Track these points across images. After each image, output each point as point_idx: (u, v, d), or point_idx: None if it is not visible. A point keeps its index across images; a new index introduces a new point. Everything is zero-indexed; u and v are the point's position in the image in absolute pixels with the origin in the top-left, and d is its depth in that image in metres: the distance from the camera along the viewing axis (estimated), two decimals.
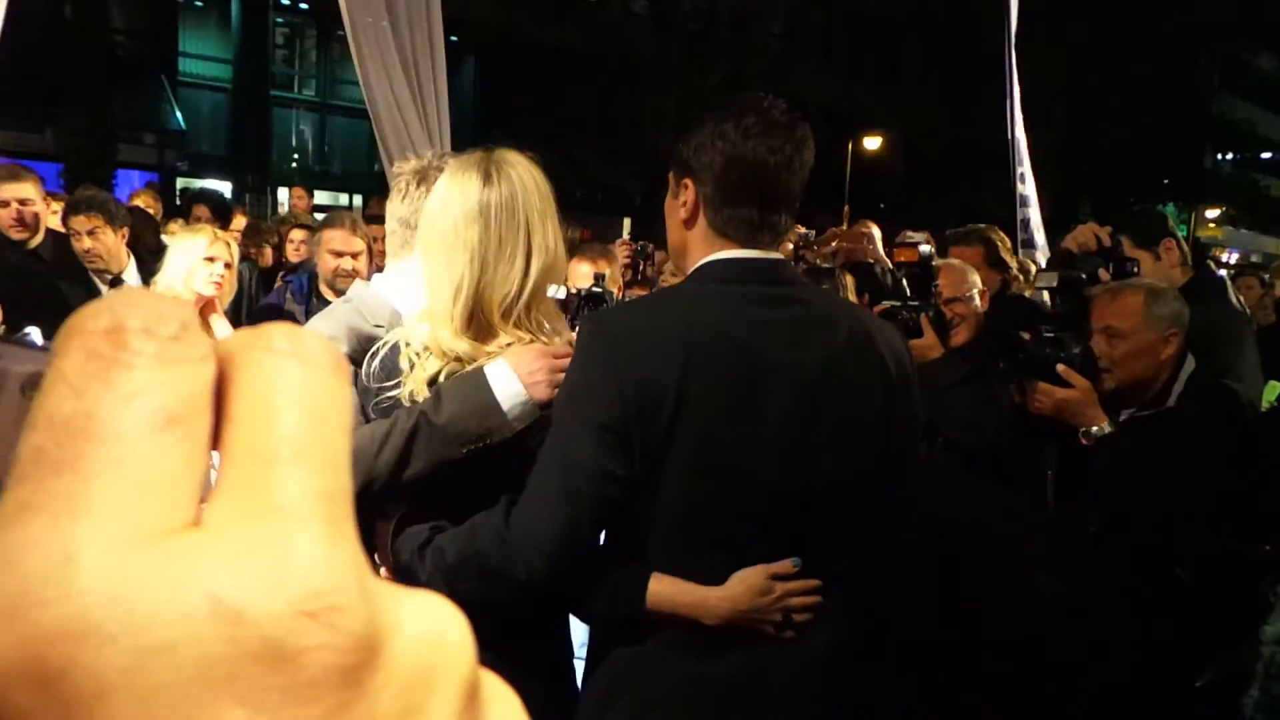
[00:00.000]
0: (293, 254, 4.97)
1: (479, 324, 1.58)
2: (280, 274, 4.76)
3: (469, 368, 1.57)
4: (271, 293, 4.04)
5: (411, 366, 1.59)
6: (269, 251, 5.38)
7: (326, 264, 3.57)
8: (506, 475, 1.47)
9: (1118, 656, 2.36)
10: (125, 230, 3.95)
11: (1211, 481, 2.28)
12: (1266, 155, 39.93)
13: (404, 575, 1.50)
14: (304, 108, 18.71)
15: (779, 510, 1.45)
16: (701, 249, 1.52)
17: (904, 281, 4.45)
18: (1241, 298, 3.14)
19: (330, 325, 1.80)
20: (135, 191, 6.99)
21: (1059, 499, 2.63)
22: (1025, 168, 5.83)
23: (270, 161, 17.60)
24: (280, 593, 0.18)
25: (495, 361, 1.55)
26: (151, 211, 5.64)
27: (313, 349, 0.21)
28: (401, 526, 1.55)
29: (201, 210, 4.42)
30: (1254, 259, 33.09)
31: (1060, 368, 2.35)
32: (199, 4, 17.21)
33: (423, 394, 1.57)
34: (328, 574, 0.19)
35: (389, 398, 1.58)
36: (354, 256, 3.51)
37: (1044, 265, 4.04)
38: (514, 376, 1.53)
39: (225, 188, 16.02)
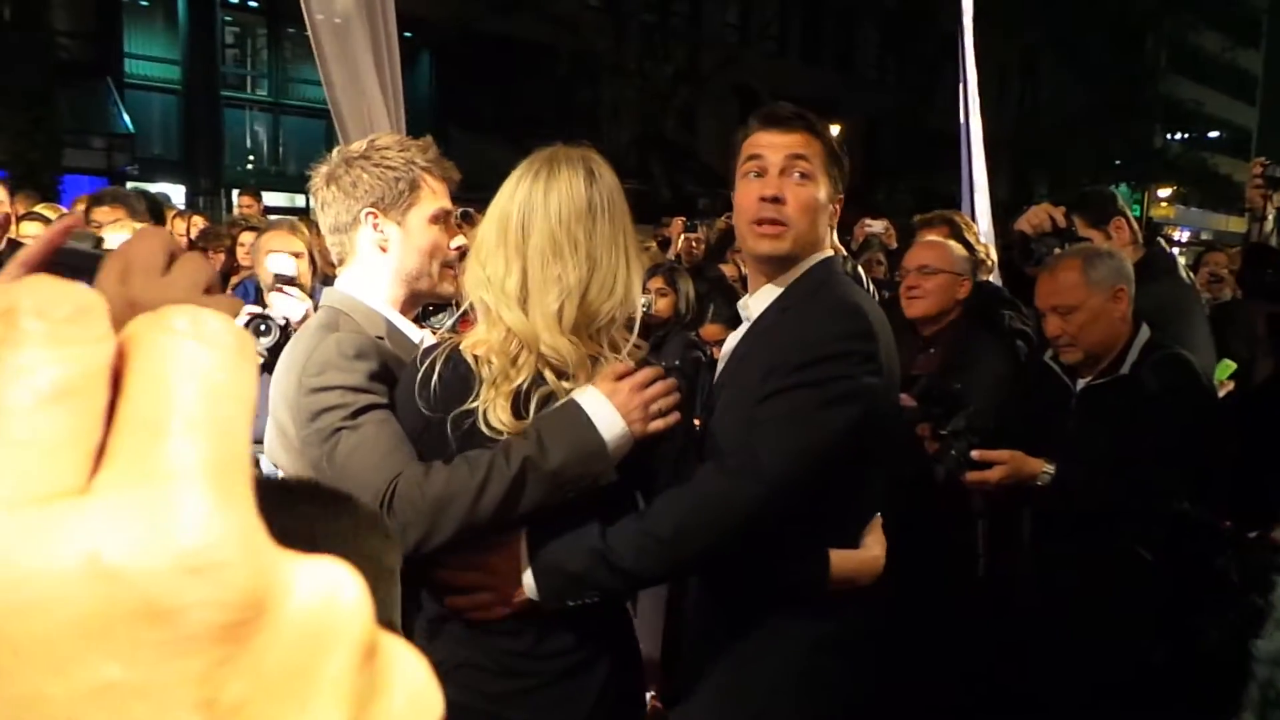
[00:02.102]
0: (243, 258, 4.88)
1: (580, 330, 1.52)
2: (232, 279, 4.69)
3: (559, 395, 1.50)
4: None
5: (489, 379, 1.51)
6: (223, 256, 5.29)
7: (266, 270, 3.51)
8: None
9: (1086, 643, 2.41)
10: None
11: (1176, 452, 2.33)
12: (1214, 134, 40.81)
13: (584, 585, 1.51)
14: (257, 108, 18.39)
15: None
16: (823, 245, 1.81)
17: (860, 269, 4.50)
18: (1191, 275, 3.21)
19: (354, 341, 1.64)
20: (78, 199, 6.84)
21: (990, 543, 2.70)
22: (977, 152, 5.89)
23: (223, 164, 17.29)
24: (162, 551, 0.19)
25: (588, 394, 1.48)
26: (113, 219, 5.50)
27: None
28: (536, 543, 1.53)
29: (100, 214, 4.25)
30: (1204, 236, 33.81)
31: (976, 454, 2.39)
32: (144, 3, 16.83)
33: (505, 412, 1.49)
34: (212, 532, 0.19)
35: (467, 415, 1.51)
36: (295, 255, 3.43)
37: (992, 254, 4.09)
38: (615, 412, 1.47)
39: (178, 191, 15.71)
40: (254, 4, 17.05)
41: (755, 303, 1.81)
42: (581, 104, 18.95)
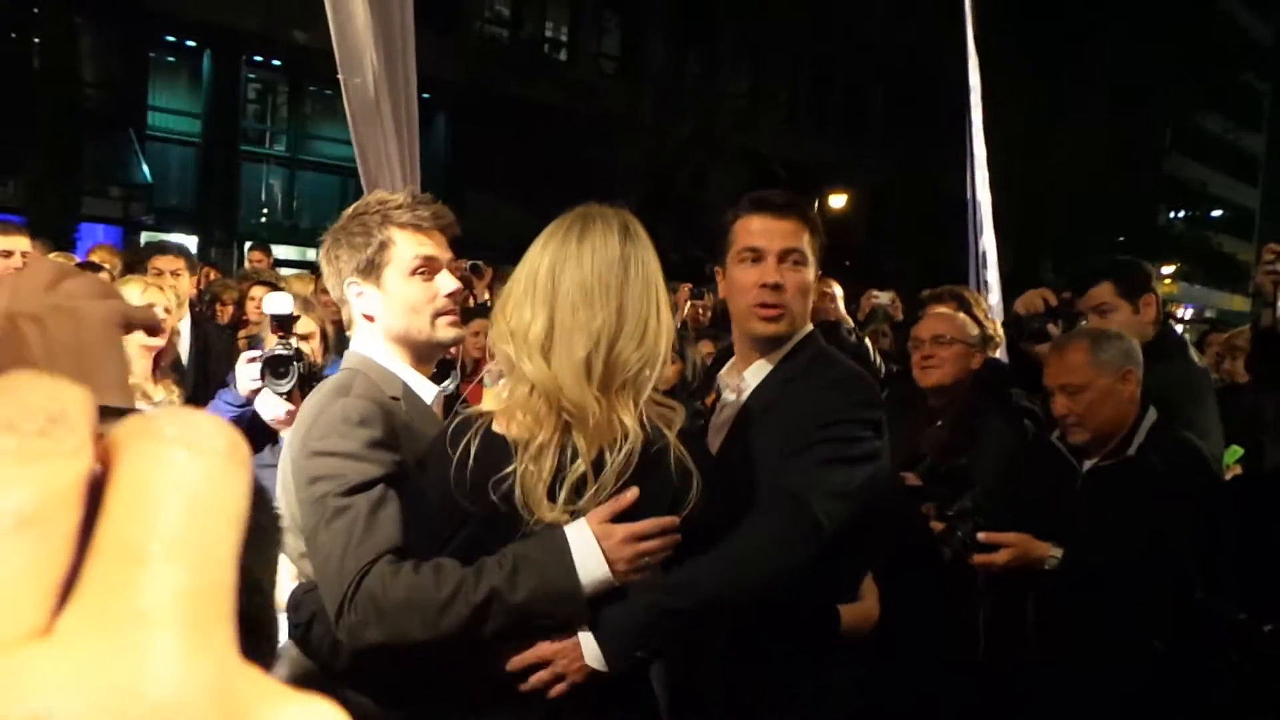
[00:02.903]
0: (253, 312, 4.90)
1: (608, 385, 1.48)
2: (240, 333, 4.70)
3: (587, 468, 1.46)
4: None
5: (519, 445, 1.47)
6: (231, 308, 5.31)
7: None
8: None
9: None
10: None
11: (1185, 538, 2.29)
12: (1216, 213, 41.21)
13: (649, 633, 1.49)
14: (274, 162, 18.70)
15: None
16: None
17: (867, 340, 4.50)
18: (1200, 357, 3.18)
19: (360, 408, 1.61)
20: (93, 247, 6.91)
21: (992, 626, 2.66)
22: (986, 227, 5.94)
23: (238, 216, 17.52)
24: (121, 714, 0.17)
25: (578, 529, 1.43)
26: (108, 268, 5.56)
27: (202, 434, 0.20)
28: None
29: (162, 262, 4.41)
30: (1208, 314, 33.90)
31: (983, 536, 2.38)
32: (171, 59, 17.24)
33: (542, 489, 1.44)
34: (181, 688, 0.18)
35: (504, 497, 1.46)
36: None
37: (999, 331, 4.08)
38: (600, 556, 1.42)
39: (191, 242, 15.88)
40: (277, 62, 17.43)
41: (751, 376, 1.90)
42: (595, 167, 19.25)
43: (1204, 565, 2.27)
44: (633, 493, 1.46)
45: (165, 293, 3.08)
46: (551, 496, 1.45)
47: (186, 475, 0.19)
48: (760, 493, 1.71)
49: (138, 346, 2.92)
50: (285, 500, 1.68)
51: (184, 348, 4.32)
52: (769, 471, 1.71)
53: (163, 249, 4.62)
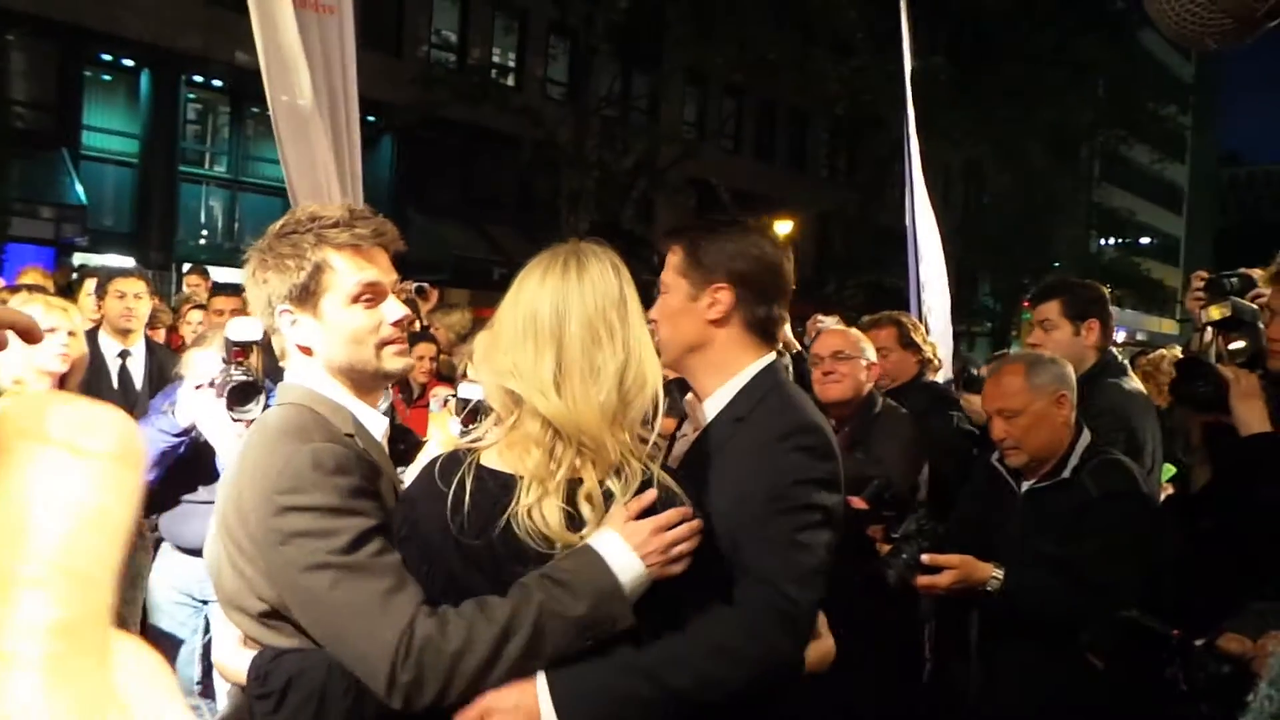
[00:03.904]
0: (190, 335, 4.80)
1: (616, 424, 1.46)
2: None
3: (597, 500, 1.42)
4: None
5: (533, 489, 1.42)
6: (162, 332, 5.19)
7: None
8: None
9: None
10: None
11: (1118, 556, 2.34)
12: (1145, 240, 42.77)
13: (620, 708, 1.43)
14: (214, 184, 18.34)
15: None
16: (734, 345, 1.78)
17: (807, 363, 4.53)
18: (1136, 382, 3.27)
19: (332, 453, 1.47)
20: (23, 269, 6.69)
21: (938, 646, 2.69)
22: (927, 253, 6.06)
23: (175, 238, 17.12)
24: None
25: (604, 537, 1.41)
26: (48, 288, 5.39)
27: (93, 432, 0.18)
28: (557, 667, 1.42)
29: (125, 284, 4.32)
30: (1139, 337, 35.03)
31: (926, 558, 2.41)
32: (107, 78, 16.85)
33: (554, 515, 1.40)
34: None
35: (507, 530, 1.41)
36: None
37: (939, 354, 4.19)
38: (633, 554, 1.40)
39: (127, 264, 15.47)
40: (218, 84, 17.16)
41: (709, 408, 1.80)
42: (541, 192, 19.25)
43: (1139, 583, 2.32)
44: (650, 494, 1.45)
45: (69, 314, 2.97)
46: (571, 526, 1.43)
47: (69, 485, 0.18)
48: (715, 552, 1.59)
49: (36, 371, 2.80)
50: (228, 551, 1.52)
51: (139, 373, 4.23)
52: (723, 525, 1.57)
53: (125, 272, 4.54)
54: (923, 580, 2.40)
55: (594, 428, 1.44)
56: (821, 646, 1.77)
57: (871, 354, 3.35)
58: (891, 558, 2.44)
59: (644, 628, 1.47)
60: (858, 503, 2.46)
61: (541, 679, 1.41)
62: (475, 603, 1.39)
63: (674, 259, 1.81)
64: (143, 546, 3.33)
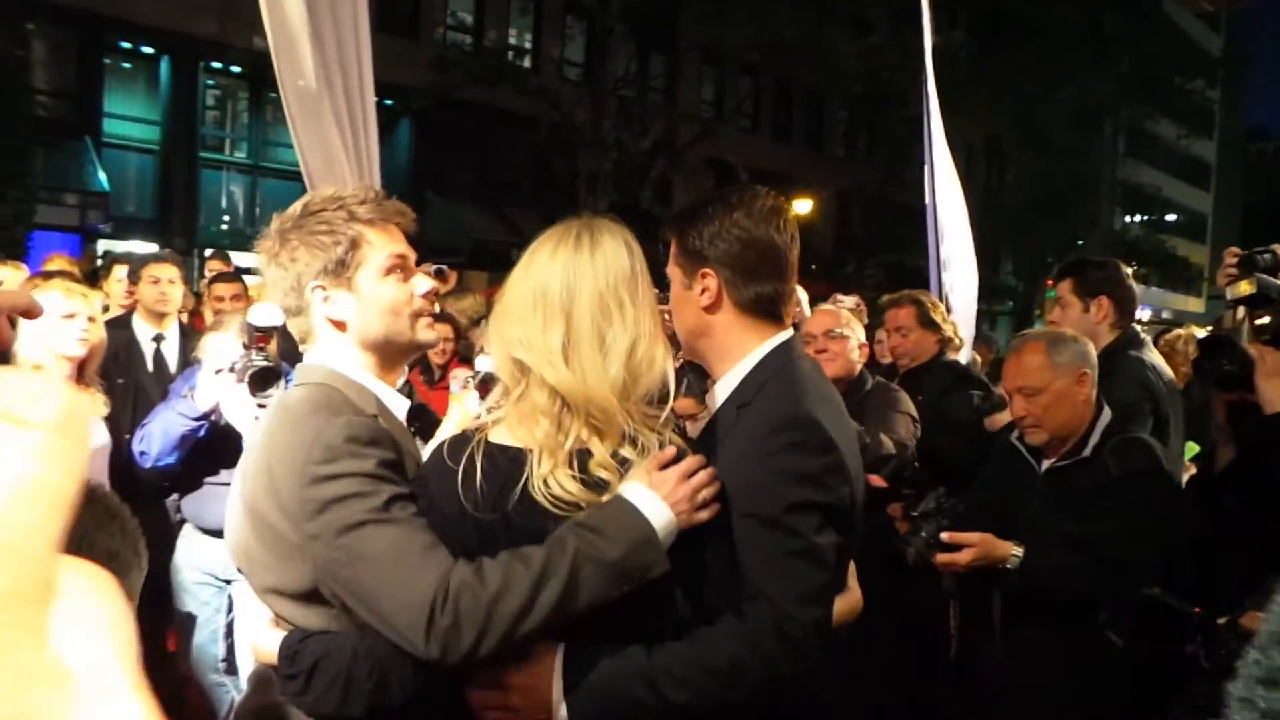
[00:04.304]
0: (216, 309, 4.84)
1: (624, 400, 1.46)
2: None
3: (608, 468, 1.43)
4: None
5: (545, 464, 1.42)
6: (185, 316, 5.24)
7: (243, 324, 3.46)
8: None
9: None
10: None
11: (1139, 535, 2.32)
12: (1171, 217, 42.16)
13: (624, 712, 1.42)
14: (234, 170, 18.45)
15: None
16: (734, 329, 1.71)
17: None
18: (1158, 361, 3.26)
19: (367, 426, 1.49)
20: (49, 256, 6.78)
21: (963, 625, 2.68)
22: (951, 231, 5.98)
23: (197, 224, 17.26)
24: None
25: (631, 487, 1.41)
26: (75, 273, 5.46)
27: (32, 401, 0.18)
28: (571, 662, 1.43)
29: (159, 270, 4.40)
30: (1165, 315, 34.62)
31: (946, 536, 2.40)
32: (126, 65, 16.95)
33: (569, 480, 1.41)
34: None
35: (523, 501, 1.42)
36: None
37: (961, 333, 4.18)
38: (661, 503, 1.41)
39: (150, 249, 15.61)
40: (236, 69, 17.21)
41: (719, 392, 1.75)
42: (558, 174, 19.22)
43: (1159, 561, 2.31)
44: (671, 449, 1.46)
45: (88, 299, 3.03)
46: (592, 490, 1.44)
47: (6, 456, 0.17)
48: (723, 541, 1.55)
49: (55, 356, 2.86)
50: (258, 531, 1.53)
51: (173, 356, 4.32)
52: (724, 516, 1.52)
53: (158, 257, 4.63)
54: (942, 558, 2.40)
55: (602, 399, 1.44)
56: (850, 598, 1.76)
57: (861, 334, 3.41)
58: (911, 535, 2.43)
59: (664, 619, 1.48)
60: (877, 481, 2.46)
61: (558, 667, 1.42)
62: (511, 552, 1.39)
63: (672, 248, 1.77)
64: (128, 570, 3.38)
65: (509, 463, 1.46)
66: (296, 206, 1.67)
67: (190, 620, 3.43)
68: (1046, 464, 2.61)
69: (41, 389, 0.18)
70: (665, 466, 1.44)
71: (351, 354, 1.65)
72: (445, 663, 1.35)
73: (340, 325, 1.64)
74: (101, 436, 3.05)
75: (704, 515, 1.45)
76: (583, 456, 1.45)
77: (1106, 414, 2.58)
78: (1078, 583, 2.38)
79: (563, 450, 1.44)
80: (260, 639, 1.59)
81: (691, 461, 1.46)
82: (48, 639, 0.17)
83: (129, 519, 0.72)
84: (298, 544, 1.45)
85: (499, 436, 1.50)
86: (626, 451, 1.46)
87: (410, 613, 1.35)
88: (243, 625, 1.60)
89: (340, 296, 1.63)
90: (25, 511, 0.17)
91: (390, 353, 1.69)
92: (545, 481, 1.42)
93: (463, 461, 1.45)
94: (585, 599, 1.37)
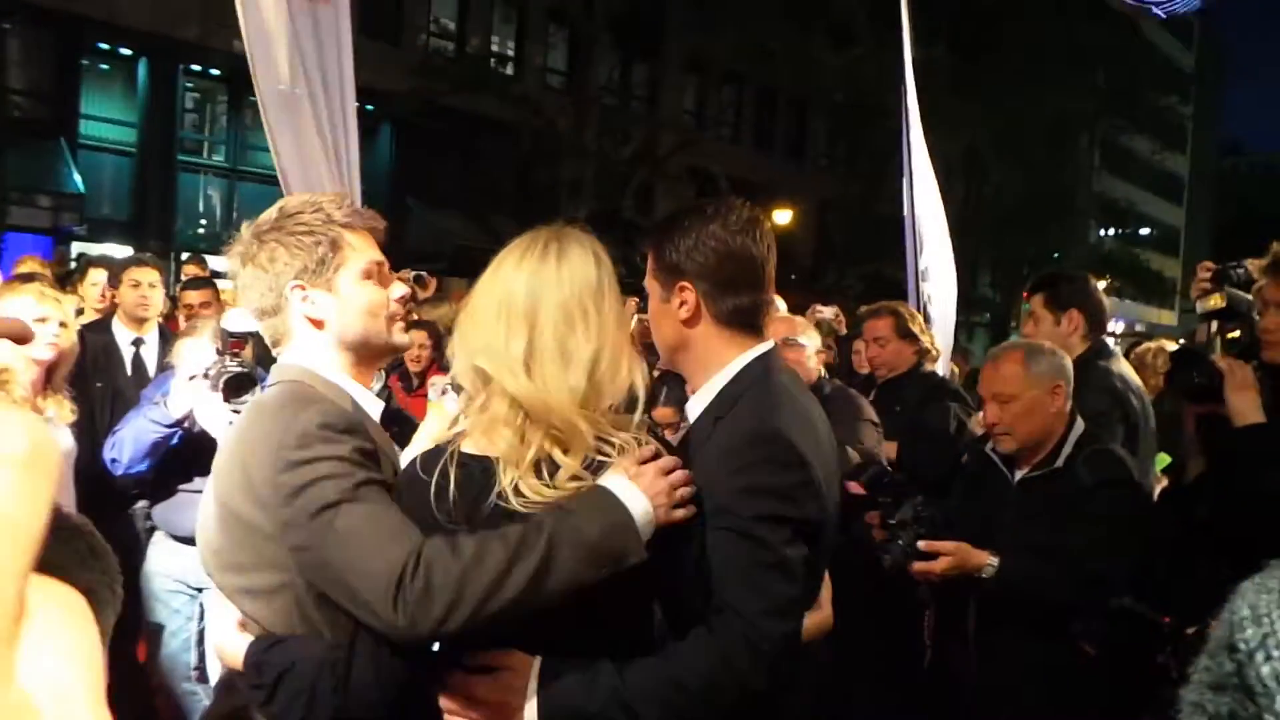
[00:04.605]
0: (185, 317, 4.80)
1: (591, 408, 1.46)
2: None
3: (574, 474, 1.42)
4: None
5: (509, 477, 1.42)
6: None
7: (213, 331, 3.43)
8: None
9: None
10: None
11: (1110, 544, 2.35)
12: (1145, 231, 42.73)
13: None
14: (212, 173, 18.31)
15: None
16: (714, 342, 1.69)
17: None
18: (1127, 371, 3.32)
19: (341, 414, 1.50)
20: (21, 258, 6.70)
21: (937, 634, 2.70)
22: (930, 242, 6.03)
23: (174, 227, 17.10)
24: None
25: (612, 479, 1.42)
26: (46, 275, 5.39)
27: (2, 439, 0.16)
28: (544, 673, 1.41)
29: (140, 274, 4.34)
30: (1139, 328, 35.05)
31: (923, 544, 2.41)
32: (104, 66, 16.80)
33: (534, 480, 1.42)
34: None
35: (494, 508, 1.42)
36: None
37: (938, 345, 4.23)
38: (640, 494, 1.41)
39: (125, 253, 15.44)
40: (216, 72, 17.10)
41: (696, 404, 1.75)
42: (540, 181, 19.22)
43: (1131, 571, 2.33)
44: (652, 446, 1.46)
45: (61, 305, 3.01)
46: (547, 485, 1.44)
47: None
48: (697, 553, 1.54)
49: (24, 358, 2.84)
50: (228, 527, 1.52)
51: (152, 361, 4.28)
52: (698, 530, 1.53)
53: (139, 261, 4.56)
54: (919, 566, 2.41)
55: (564, 410, 1.43)
56: (818, 616, 1.77)
57: (818, 341, 3.50)
58: (888, 544, 2.44)
59: (645, 629, 1.48)
60: (855, 488, 2.47)
61: (533, 683, 1.41)
62: (485, 531, 1.39)
63: (649, 262, 1.75)
64: (107, 608, 3.34)
65: (482, 473, 1.46)
66: (272, 211, 1.69)
67: (161, 629, 3.38)
68: (1020, 474, 2.64)
69: (11, 422, 0.17)
70: (644, 464, 1.45)
71: (328, 354, 1.67)
72: (413, 634, 1.34)
73: (319, 324, 1.66)
74: (68, 442, 3.01)
75: (681, 514, 1.45)
76: (551, 467, 1.45)
77: (1080, 426, 2.61)
78: (1052, 591, 2.41)
79: (525, 461, 1.43)
80: (227, 643, 1.57)
81: (669, 460, 1.47)
82: (14, 678, 0.16)
83: (110, 557, 0.72)
84: (270, 534, 1.45)
85: (470, 446, 1.50)
86: (597, 456, 1.46)
87: (378, 582, 1.34)
88: (215, 630, 1.56)
89: (319, 296, 1.65)
90: None
91: (366, 354, 1.71)
92: (516, 489, 1.42)
93: (435, 474, 1.45)
94: (560, 578, 1.36)
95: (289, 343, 1.69)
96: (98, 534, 0.74)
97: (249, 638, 1.53)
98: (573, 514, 1.39)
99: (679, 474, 1.46)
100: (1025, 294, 3.55)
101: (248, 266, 1.67)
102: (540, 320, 1.46)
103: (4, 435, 0.16)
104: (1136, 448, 2.97)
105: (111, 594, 0.61)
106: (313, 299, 1.65)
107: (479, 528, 1.42)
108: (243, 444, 1.53)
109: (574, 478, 1.44)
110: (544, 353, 1.46)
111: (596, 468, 1.46)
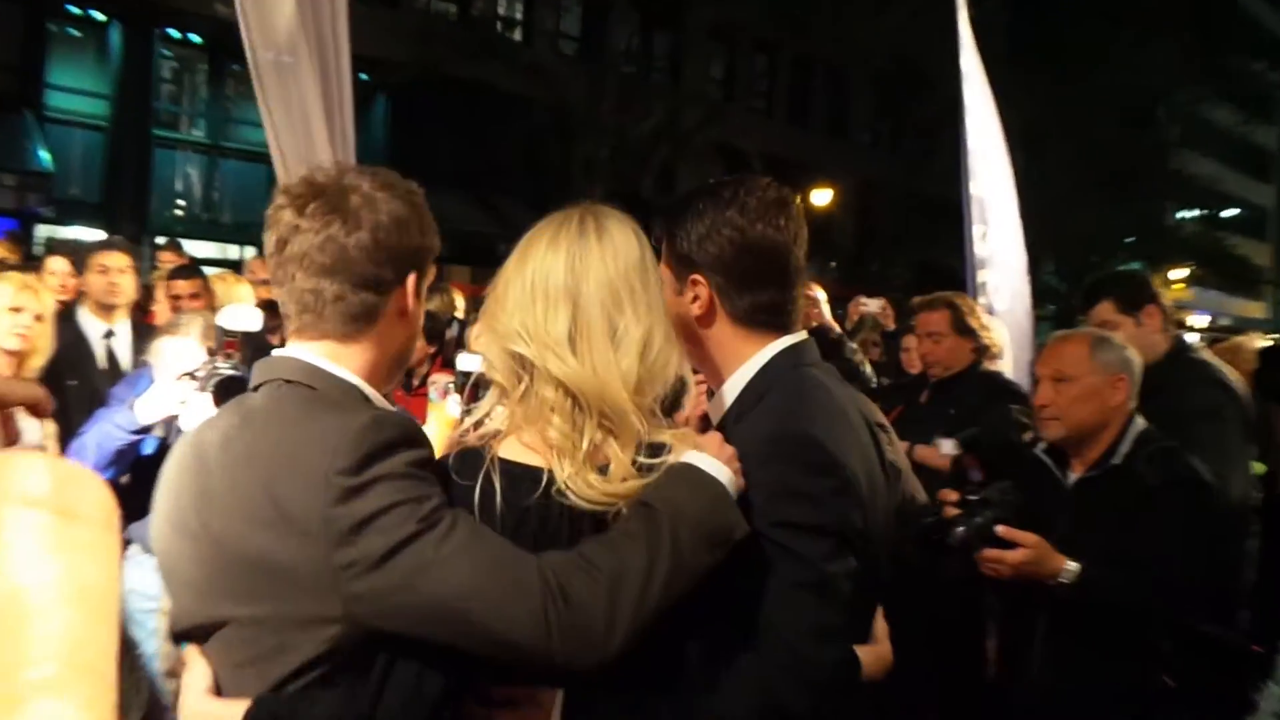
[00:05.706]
0: (170, 309, 4.84)
1: (642, 394, 1.44)
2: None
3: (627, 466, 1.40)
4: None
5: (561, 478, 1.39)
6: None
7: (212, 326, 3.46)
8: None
9: None
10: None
11: (1185, 552, 2.32)
12: (1229, 212, 42.18)
13: None
14: (191, 149, 18.46)
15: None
16: (730, 343, 1.63)
17: (853, 345, 4.56)
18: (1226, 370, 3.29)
19: (395, 421, 1.38)
20: None
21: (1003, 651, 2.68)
22: (998, 227, 5.97)
23: (149, 209, 17.25)
24: None
25: (689, 455, 1.41)
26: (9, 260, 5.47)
27: (76, 491, 0.15)
28: (578, 710, 1.38)
29: (110, 259, 4.34)
30: (1223, 321, 34.63)
31: (1001, 529, 2.36)
32: (73, 31, 16.96)
33: (595, 476, 1.38)
34: None
35: (547, 509, 1.39)
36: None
37: (1000, 340, 4.20)
38: (721, 465, 1.41)
39: (96, 237, 15.60)
40: (195, 39, 17.24)
41: (726, 397, 1.69)
42: (551, 159, 19.24)
43: (1213, 594, 2.31)
44: (715, 433, 1.48)
45: (39, 297, 3.08)
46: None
47: (63, 555, 0.15)
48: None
49: None
50: (223, 578, 1.35)
51: (125, 356, 4.32)
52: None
53: (108, 244, 4.64)
54: (990, 554, 2.35)
55: (616, 396, 1.40)
56: (879, 651, 1.73)
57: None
58: (962, 518, 2.33)
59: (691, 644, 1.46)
60: (947, 448, 2.42)
61: (556, 713, 1.38)
62: (594, 537, 1.36)
63: (664, 246, 1.69)
64: None
65: (530, 483, 1.41)
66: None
67: (134, 647, 3.42)
68: (1074, 476, 2.64)
69: (82, 478, 0.16)
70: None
71: (365, 359, 1.56)
72: (580, 664, 1.27)
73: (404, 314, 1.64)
74: (35, 437, 3.06)
75: (740, 487, 1.45)
76: (602, 468, 1.41)
77: (1139, 423, 2.62)
78: (1138, 602, 2.36)
79: (580, 451, 1.39)
80: (206, 710, 1.39)
81: (715, 433, 1.48)
82: None
83: (138, 655, 0.73)
84: (310, 581, 1.27)
85: (510, 451, 1.44)
86: (645, 458, 1.42)
87: (517, 612, 1.25)
88: (186, 696, 1.40)
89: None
90: (95, 628, 0.15)
91: (396, 369, 1.67)
92: (571, 483, 1.38)
93: (479, 480, 1.40)
94: (692, 567, 1.33)
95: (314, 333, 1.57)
96: (127, 629, 0.75)
97: (235, 703, 1.36)
98: (672, 497, 1.35)
99: (730, 446, 1.47)
100: (1081, 308, 3.50)
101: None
102: (583, 296, 1.43)
103: (81, 490, 0.16)
104: (1240, 449, 2.96)
105: (136, 692, 0.64)
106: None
107: (534, 535, 1.38)
108: (255, 462, 1.33)
109: (625, 478, 1.40)
110: (591, 331, 1.42)
111: (646, 471, 1.42)
